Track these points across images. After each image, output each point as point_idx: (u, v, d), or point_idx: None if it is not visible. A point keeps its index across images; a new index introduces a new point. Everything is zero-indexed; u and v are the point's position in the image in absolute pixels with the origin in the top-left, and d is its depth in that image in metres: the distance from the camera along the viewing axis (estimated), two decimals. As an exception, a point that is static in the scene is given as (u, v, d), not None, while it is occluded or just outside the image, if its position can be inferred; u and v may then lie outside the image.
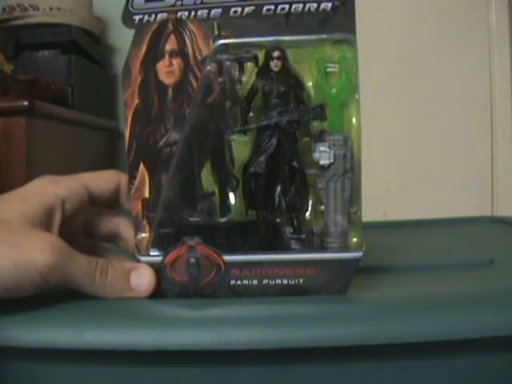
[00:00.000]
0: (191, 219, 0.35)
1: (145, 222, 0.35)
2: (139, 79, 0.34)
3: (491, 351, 0.32)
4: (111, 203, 0.40)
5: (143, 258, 0.35)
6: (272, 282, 0.34)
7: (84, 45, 1.41)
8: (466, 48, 1.50)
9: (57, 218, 0.36)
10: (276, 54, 0.34)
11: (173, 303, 0.35)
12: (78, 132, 1.35)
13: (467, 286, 0.37)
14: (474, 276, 0.40)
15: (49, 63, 1.35)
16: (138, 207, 0.36)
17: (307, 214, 0.35)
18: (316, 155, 0.34)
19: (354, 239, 0.35)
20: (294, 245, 0.35)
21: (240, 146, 0.35)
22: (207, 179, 0.36)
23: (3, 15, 1.38)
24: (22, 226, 0.33)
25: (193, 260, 0.34)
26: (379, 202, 1.43)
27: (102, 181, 0.39)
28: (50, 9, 1.37)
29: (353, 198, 0.34)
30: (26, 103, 1.07)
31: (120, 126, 1.60)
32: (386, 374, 0.32)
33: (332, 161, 0.34)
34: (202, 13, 0.34)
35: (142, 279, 0.35)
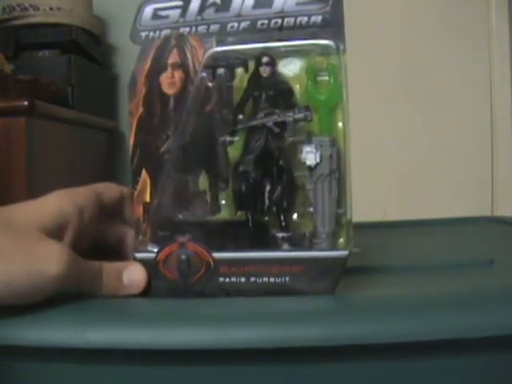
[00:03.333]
0: (182, 217, 0.36)
1: (145, 225, 0.36)
2: (144, 90, 0.36)
3: (491, 351, 0.32)
4: (115, 213, 0.41)
5: (138, 255, 0.36)
6: (259, 280, 0.35)
7: (84, 45, 1.41)
8: (465, 48, 1.50)
9: (71, 227, 0.36)
10: (265, 59, 0.35)
11: (173, 303, 0.35)
12: (78, 132, 1.35)
13: (467, 286, 0.37)
14: (474, 276, 0.40)
15: (49, 63, 1.36)
16: (139, 211, 0.37)
17: (296, 216, 0.36)
18: (302, 156, 0.35)
19: (341, 239, 0.35)
20: (282, 244, 0.36)
21: (231, 148, 0.36)
22: (204, 180, 0.37)
23: (3, 15, 1.38)
24: (34, 233, 0.34)
25: (184, 257, 0.35)
26: (379, 202, 1.43)
27: (108, 190, 0.40)
28: (50, 9, 1.37)
29: (341, 198, 0.35)
30: (26, 103, 1.08)
31: (120, 126, 1.60)
32: (387, 374, 0.32)
33: (318, 161, 0.35)
34: (201, 28, 0.36)
35: (134, 276, 0.36)
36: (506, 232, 0.68)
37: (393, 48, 1.53)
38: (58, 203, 0.36)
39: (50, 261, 0.32)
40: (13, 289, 0.31)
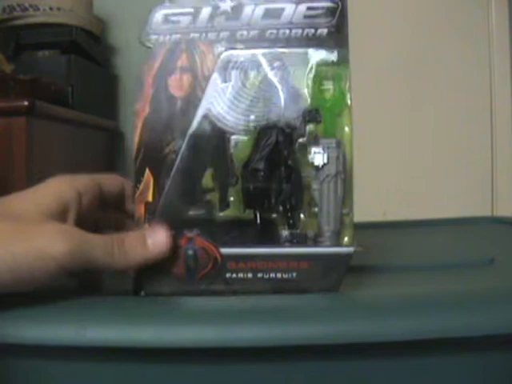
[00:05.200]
0: (190, 213, 0.36)
1: (147, 225, 0.36)
2: (151, 91, 0.37)
3: (491, 350, 0.32)
4: (116, 205, 0.40)
5: None
6: (266, 276, 0.35)
7: (84, 45, 1.41)
8: (465, 48, 1.50)
9: (72, 211, 0.36)
10: (277, 64, 0.37)
11: (175, 300, 0.35)
12: (78, 132, 1.35)
13: (467, 285, 0.37)
14: (474, 276, 0.40)
15: (49, 63, 1.35)
16: (141, 211, 0.37)
17: (302, 215, 0.37)
18: (310, 156, 0.36)
19: (346, 238, 0.36)
20: (288, 241, 0.36)
21: (241, 146, 0.37)
22: (207, 177, 0.37)
23: (3, 15, 1.38)
24: (35, 217, 0.33)
25: (190, 252, 0.35)
26: (379, 202, 1.43)
27: (110, 181, 0.40)
28: (50, 9, 1.37)
29: (345, 199, 0.36)
30: (26, 103, 1.08)
31: (120, 126, 1.60)
32: (388, 372, 0.32)
33: (325, 162, 0.36)
34: (211, 35, 0.37)
35: (158, 236, 0.35)
36: (506, 232, 0.68)
37: (392, 48, 1.53)
38: (57, 187, 0.36)
39: (52, 239, 0.32)
40: (18, 273, 0.30)
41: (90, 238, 0.34)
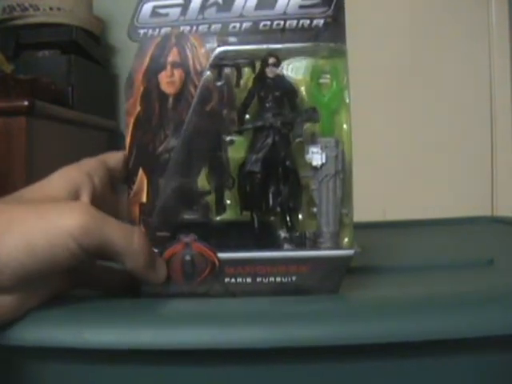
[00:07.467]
0: (186, 217, 0.36)
1: (141, 226, 0.36)
2: (141, 88, 0.36)
3: (491, 351, 0.32)
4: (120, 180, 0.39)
5: None
6: (266, 280, 0.35)
7: (84, 45, 1.41)
8: (466, 47, 1.50)
9: (85, 193, 0.35)
10: (272, 60, 0.35)
11: (172, 302, 0.35)
12: (78, 132, 1.35)
13: (467, 285, 0.37)
14: (474, 276, 0.40)
15: (49, 63, 1.36)
16: (135, 212, 0.36)
17: (300, 215, 0.36)
18: (308, 156, 0.35)
19: (346, 239, 0.35)
20: (287, 244, 0.36)
21: (236, 147, 0.36)
22: (203, 180, 0.36)
23: (3, 15, 1.38)
24: (47, 201, 0.33)
25: (188, 257, 0.35)
26: (379, 202, 1.43)
27: (113, 155, 0.39)
28: (50, 9, 1.37)
29: (344, 199, 0.35)
30: (26, 103, 1.08)
31: (120, 126, 1.60)
32: (387, 374, 0.32)
33: (324, 162, 0.35)
34: (202, 28, 0.36)
35: (163, 266, 0.34)
36: (506, 232, 0.68)
37: (392, 47, 1.52)
38: (64, 174, 0.36)
39: (66, 215, 0.31)
40: (35, 253, 0.30)
41: (108, 218, 0.32)
